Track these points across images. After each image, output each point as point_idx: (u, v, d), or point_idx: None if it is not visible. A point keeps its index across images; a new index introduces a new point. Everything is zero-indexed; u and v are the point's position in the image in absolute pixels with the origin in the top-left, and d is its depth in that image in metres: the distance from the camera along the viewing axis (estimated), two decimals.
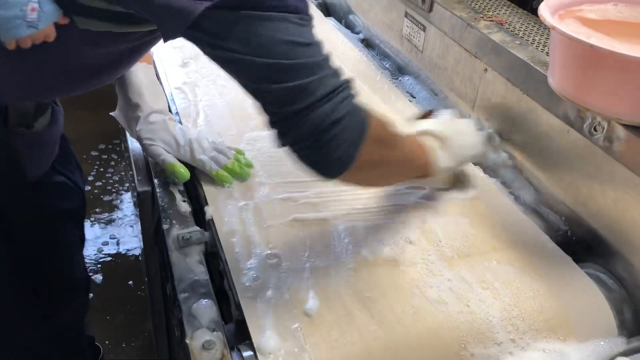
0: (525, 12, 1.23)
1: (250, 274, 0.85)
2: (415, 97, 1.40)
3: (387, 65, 1.56)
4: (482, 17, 1.18)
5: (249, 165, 1.08)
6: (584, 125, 0.90)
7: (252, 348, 0.74)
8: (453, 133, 0.96)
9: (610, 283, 0.89)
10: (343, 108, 0.70)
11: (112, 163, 2.71)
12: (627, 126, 0.83)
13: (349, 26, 1.81)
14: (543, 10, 0.85)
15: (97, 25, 0.75)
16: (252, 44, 0.66)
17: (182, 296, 0.81)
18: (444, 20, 1.26)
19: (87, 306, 1.24)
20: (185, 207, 0.99)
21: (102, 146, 2.78)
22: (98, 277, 2.14)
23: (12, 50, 0.73)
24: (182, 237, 0.91)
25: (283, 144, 0.73)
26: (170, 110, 1.29)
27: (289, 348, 0.75)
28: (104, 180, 2.62)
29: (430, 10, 1.30)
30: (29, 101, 0.88)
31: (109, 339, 1.91)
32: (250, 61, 0.67)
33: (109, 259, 2.24)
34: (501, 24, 1.16)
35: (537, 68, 0.99)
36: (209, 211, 0.97)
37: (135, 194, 1.17)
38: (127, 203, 2.51)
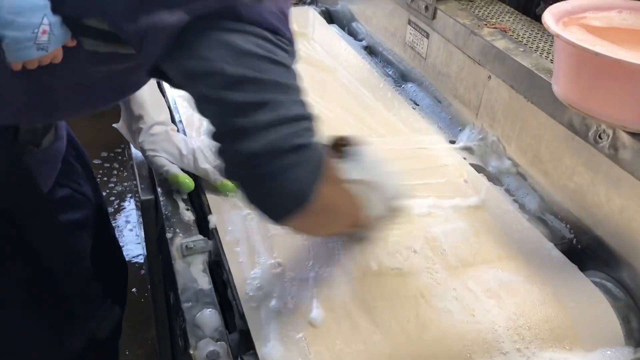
0: (528, 19, 1.23)
1: (254, 284, 0.85)
2: (418, 105, 1.40)
3: (390, 73, 1.56)
4: (486, 24, 1.18)
5: None
6: (589, 133, 0.90)
7: (256, 358, 0.74)
8: (382, 178, 0.88)
9: (617, 291, 0.88)
10: (306, 137, 0.65)
11: (115, 171, 2.71)
12: (632, 134, 0.82)
13: (352, 33, 1.81)
14: (547, 17, 0.85)
15: (103, 47, 0.75)
16: (223, 53, 0.63)
17: (185, 306, 0.81)
18: (448, 27, 1.26)
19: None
20: (188, 215, 0.99)
21: (104, 154, 2.79)
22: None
23: (17, 71, 0.72)
24: (186, 245, 0.91)
25: (227, 170, 0.67)
26: (173, 119, 1.29)
27: (293, 358, 0.74)
28: (107, 188, 2.62)
29: (434, 17, 1.30)
30: (41, 123, 0.89)
31: None
32: (219, 69, 0.63)
33: None
34: (505, 31, 1.16)
35: (541, 75, 0.99)
36: (213, 220, 0.97)
37: (138, 202, 1.17)
38: (130, 210, 2.52)
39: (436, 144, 1.23)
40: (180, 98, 1.36)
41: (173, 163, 1.02)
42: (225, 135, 0.66)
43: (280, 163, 0.63)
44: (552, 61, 1.02)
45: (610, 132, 0.86)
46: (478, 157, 1.19)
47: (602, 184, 0.91)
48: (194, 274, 0.86)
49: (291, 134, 0.63)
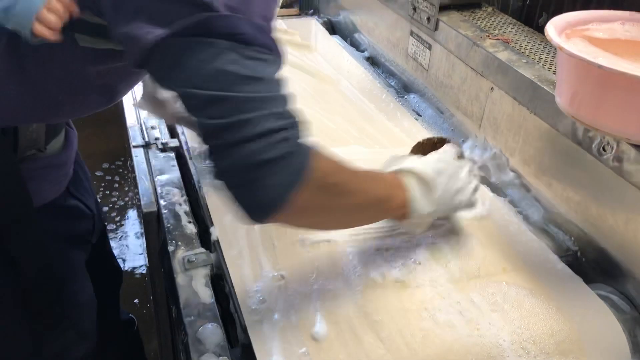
0: (531, 30, 1.23)
1: (256, 297, 0.84)
2: (421, 116, 1.40)
3: (392, 84, 1.56)
4: (488, 36, 1.18)
5: None
6: (593, 145, 0.89)
7: None
8: (439, 174, 0.86)
9: (622, 304, 0.87)
10: (279, 149, 0.64)
11: (116, 183, 2.71)
12: (636, 146, 0.82)
13: (355, 44, 1.81)
14: (549, 30, 0.85)
15: (99, 43, 0.74)
16: (192, 73, 0.64)
17: (187, 320, 0.81)
18: (450, 38, 1.26)
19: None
20: (191, 228, 0.99)
21: (105, 165, 2.79)
22: None
23: (17, 69, 0.72)
24: (188, 259, 0.91)
25: (215, 177, 0.68)
26: (176, 131, 1.29)
27: None
28: (109, 197, 2.62)
29: (436, 28, 1.30)
30: (38, 123, 0.88)
31: None
32: (191, 92, 0.64)
33: None
34: (507, 42, 1.16)
35: (544, 87, 0.99)
36: (215, 232, 0.97)
37: (140, 214, 1.17)
38: (133, 220, 2.51)
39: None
40: None
41: None
42: (209, 155, 0.68)
43: (247, 177, 0.65)
44: (554, 73, 1.02)
45: (614, 144, 0.85)
46: (481, 168, 1.19)
47: (606, 196, 0.90)
48: (195, 287, 0.86)
49: (258, 150, 0.64)
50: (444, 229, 1.00)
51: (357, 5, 1.77)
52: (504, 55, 1.10)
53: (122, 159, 2.75)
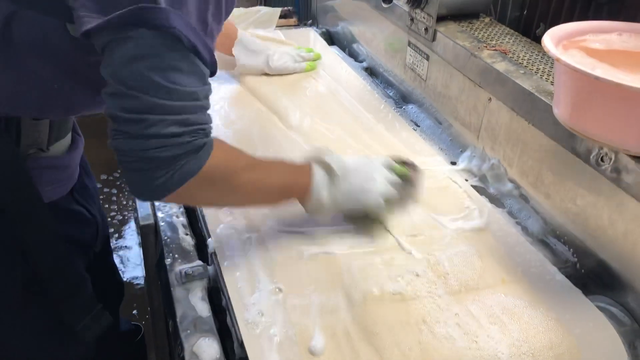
0: (528, 40, 1.23)
1: (253, 310, 0.84)
2: (419, 126, 1.40)
3: (390, 94, 1.56)
4: (486, 46, 1.18)
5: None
6: (591, 156, 0.89)
7: None
8: (351, 172, 0.93)
9: (622, 317, 0.87)
10: (172, 151, 0.71)
11: (114, 196, 2.71)
12: (634, 157, 0.82)
13: (353, 55, 1.81)
14: (547, 41, 0.85)
15: None
16: (117, 69, 0.68)
17: (184, 334, 0.80)
18: (447, 49, 1.26)
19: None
20: (188, 240, 0.98)
21: (103, 177, 2.79)
22: None
23: (12, 59, 0.75)
24: (185, 272, 0.90)
25: (110, 146, 0.73)
26: None
27: None
28: (107, 209, 2.61)
29: (434, 39, 1.30)
30: (37, 116, 0.88)
31: None
32: (113, 83, 0.69)
33: None
34: (505, 53, 1.16)
35: (542, 98, 0.98)
36: (212, 244, 0.96)
37: (138, 226, 1.17)
38: (131, 230, 2.51)
39: (437, 166, 1.23)
40: None
41: None
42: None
43: (139, 166, 0.72)
44: (552, 83, 1.02)
45: (612, 155, 0.85)
46: (479, 179, 1.18)
47: (605, 207, 0.90)
48: (192, 301, 0.85)
49: (155, 147, 0.70)
50: (444, 242, 1.00)
51: (355, 15, 1.78)
52: (501, 66, 1.10)
53: (120, 170, 2.74)
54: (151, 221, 1.05)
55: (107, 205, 2.65)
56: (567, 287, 0.91)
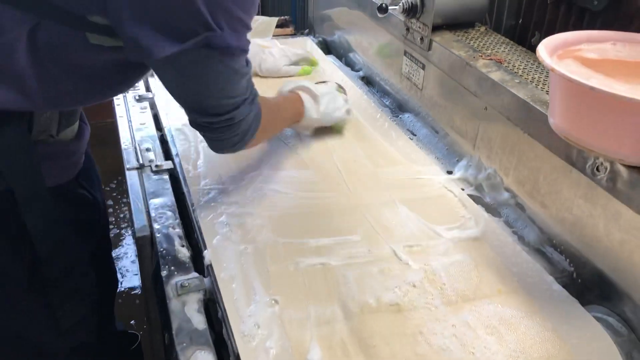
0: (524, 49, 1.23)
1: (249, 322, 0.84)
2: (415, 135, 1.40)
3: (387, 103, 1.57)
4: (481, 56, 1.18)
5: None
6: (587, 166, 0.89)
7: None
8: (324, 95, 1.34)
9: (619, 327, 0.87)
10: (244, 124, 0.98)
11: (110, 207, 2.70)
12: (630, 167, 0.82)
13: (349, 64, 1.82)
14: (541, 51, 0.85)
15: (108, 41, 0.83)
16: (201, 79, 0.87)
17: (179, 347, 0.79)
18: (443, 58, 1.26)
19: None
20: (184, 252, 0.98)
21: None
22: None
23: (36, 63, 0.82)
24: (181, 284, 0.90)
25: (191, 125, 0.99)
26: (170, 153, 1.29)
27: None
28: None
29: (429, 49, 1.30)
30: (54, 109, 0.93)
31: None
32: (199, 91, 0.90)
33: None
34: (500, 62, 1.16)
35: (537, 107, 0.98)
36: (208, 256, 0.96)
37: (134, 237, 1.16)
38: (129, 239, 2.50)
39: (433, 175, 1.23)
40: (177, 131, 1.36)
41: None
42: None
43: (222, 136, 0.98)
44: (547, 93, 1.02)
45: (607, 164, 0.85)
46: (476, 188, 1.18)
47: (601, 216, 0.90)
48: (188, 313, 0.85)
49: (243, 127, 0.98)
50: (440, 252, 1.00)
51: (352, 25, 1.78)
52: (497, 75, 1.10)
53: (115, 181, 2.74)
54: (147, 233, 1.05)
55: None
56: (563, 297, 0.91)
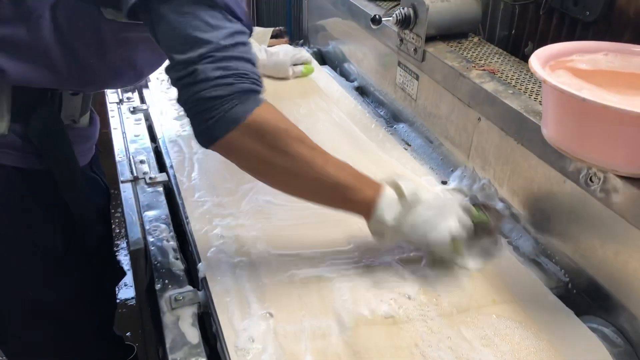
0: (517, 59, 1.24)
1: (244, 336, 0.83)
2: (410, 145, 1.40)
3: (382, 113, 1.57)
4: (474, 66, 1.19)
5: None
6: (580, 176, 0.89)
7: None
8: (423, 203, 0.90)
9: (615, 338, 0.86)
10: (224, 90, 0.78)
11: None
12: (623, 177, 0.82)
13: (344, 74, 1.82)
14: (533, 62, 0.85)
15: (120, 16, 0.87)
16: (168, 35, 0.81)
17: None
18: (437, 69, 1.26)
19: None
20: (178, 265, 0.98)
21: None
22: None
23: (58, 39, 0.89)
24: (175, 297, 0.89)
25: (178, 102, 0.83)
26: (165, 165, 1.29)
27: None
28: None
29: (423, 59, 1.31)
30: (76, 89, 1.01)
31: None
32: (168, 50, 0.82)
33: None
34: (493, 72, 1.16)
35: (531, 118, 0.99)
36: (202, 269, 0.95)
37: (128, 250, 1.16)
38: (124, 249, 2.49)
39: (428, 185, 1.23)
40: (171, 143, 1.36)
41: None
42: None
43: (197, 109, 0.80)
44: (541, 103, 1.02)
45: (601, 175, 0.85)
46: (470, 198, 1.18)
47: (595, 227, 0.90)
48: (182, 327, 0.84)
49: (203, 90, 0.79)
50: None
51: (346, 35, 1.79)
52: (490, 86, 1.11)
53: (114, 191, 2.73)
54: (141, 245, 1.04)
55: None
56: (559, 307, 0.91)
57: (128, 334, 2.10)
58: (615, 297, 0.88)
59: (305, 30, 2.15)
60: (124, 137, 1.40)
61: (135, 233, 1.07)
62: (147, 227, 1.07)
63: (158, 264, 0.97)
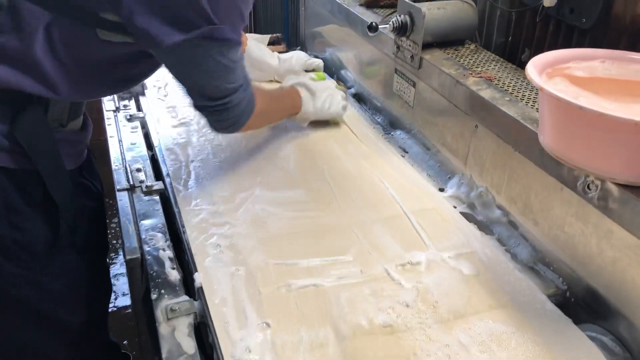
0: (514, 66, 1.24)
1: (241, 347, 0.82)
2: (407, 152, 1.40)
3: (379, 120, 1.57)
4: (471, 74, 1.19)
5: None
6: (578, 184, 0.89)
7: None
8: (322, 91, 1.45)
9: (613, 346, 0.86)
10: (241, 107, 1.08)
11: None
12: (621, 185, 0.82)
13: (341, 81, 1.82)
14: (530, 70, 0.85)
15: (116, 37, 0.93)
16: (202, 67, 0.97)
17: None
18: (433, 76, 1.26)
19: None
20: (174, 274, 0.97)
21: None
22: None
23: (52, 54, 0.92)
24: (171, 308, 0.89)
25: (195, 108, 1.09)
26: (161, 173, 1.28)
27: None
28: None
29: (420, 67, 1.31)
30: (67, 97, 1.02)
31: None
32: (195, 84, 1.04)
33: None
34: (490, 79, 1.16)
35: (528, 125, 0.99)
36: (198, 278, 0.95)
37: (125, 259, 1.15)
38: (120, 258, 2.48)
39: (425, 193, 1.22)
40: (167, 151, 1.35)
41: None
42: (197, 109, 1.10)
43: (222, 117, 1.09)
44: (538, 110, 1.02)
45: (598, 183, 0.85)
46: (468, 206, 1.18)
47: (593, 235, 0.89)
48: (178, 338, 0.84)
49: (238, 110, 1.09)
50: (433, 270, 1.00)
51: (343, 42, 1.79)
52: (487, 93, 1.10)
53: (110, 201, 2.72)
54: (137, 255, 1.03)
55: None
56: (557, 315, 0.91)
57: (125, 342, 2.09)
58: (614, 305, 0.88)
59: (302, 37, 2.15)
60: (120, 145, 1.40)
61: (131, 242, 1.06)
62: (143, 236, 1.06)
63: (154, 274, 0.97)
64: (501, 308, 0.92)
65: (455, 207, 1.18)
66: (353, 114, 1.56)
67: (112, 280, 2.36)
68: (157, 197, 1.19)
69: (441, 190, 1.24)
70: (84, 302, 1.20)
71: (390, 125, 1.54)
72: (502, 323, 0.89)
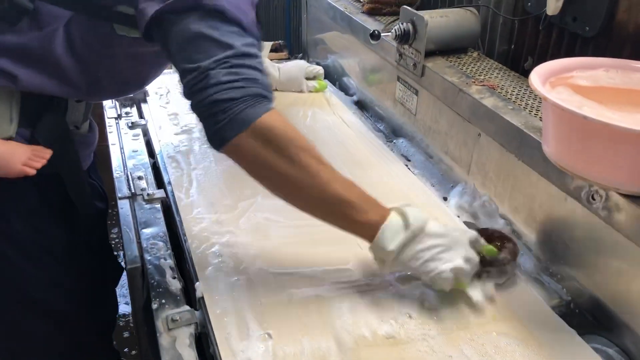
0: (517, 75, 1.23)
1: (242, 357, 0.82)
2: (410, 160, 1.39)
3: (381, 128, 1.56)
4: (474, 82, 1.18)
5: None
6: (582, 194, 0.88)
7: None
8: (430, 236, 0.88)
9: (618, 358, 0.85)
10: (233, 93, 0.80)
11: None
12: (626, 196, 0.81)
13: (343, 88, 1.82)
14: (533, 79, 0.85)
15: (131, 32, 0.92)
16: (179, 41, 0.83)
17: None
18: (436, 84, 1.26)
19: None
20: (175, 284, 0.96)
21: None
22: None
23: (70, 52, 0.94)
24: (172, 318, 0.88)
25: (190, 108, 0.85)
26: (163, 181, 1.28)
27: None
28: None
29: (422, 75, 1.30)
30: (82, 98, 1.05)
31: None
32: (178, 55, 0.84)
33: None
34: (493, 88, 1.16)
35: (531, 134, 0.98)
36: (200, 288, 0.94)
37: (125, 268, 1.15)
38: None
39: (428, 201, 1.22)
40: (169, 159, 1.35)
41: None
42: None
43: (207, 112, 0.82)
44: (541, 119, 1.02)
45: (603, 193, 0.84)
46: (471, 215, 1.17)
47: (598, 245, 0.89)
48: (179, 348, 0.83)
49: (215, 93, 0.80)
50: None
51: (345, 49, 1.79)
52: (490, 101, 1.10)
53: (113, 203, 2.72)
54: (138, 264, 1.03)
55: None
56: (561, 326, 0.90)
57: (126, 349, 2.08)
58: (619, 317, 0.87)
59: (304, 44, 2.15)
60: (122, 153, 1.39)
61: (132, 251, 1.06)
62: (144, 245, 1.06)
63: (155, 283, 0.96)
64: (505, 319, 0.91)
65: (458, 217, 1.17)
66: (355, 122, 1.56)
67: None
68: (158, 206, 1.19)
69: (444, 199, 1.24)
70: (101, 304, 1.24)
71: (392, 132, 1.53)
72: (506, 334, 0.88)
